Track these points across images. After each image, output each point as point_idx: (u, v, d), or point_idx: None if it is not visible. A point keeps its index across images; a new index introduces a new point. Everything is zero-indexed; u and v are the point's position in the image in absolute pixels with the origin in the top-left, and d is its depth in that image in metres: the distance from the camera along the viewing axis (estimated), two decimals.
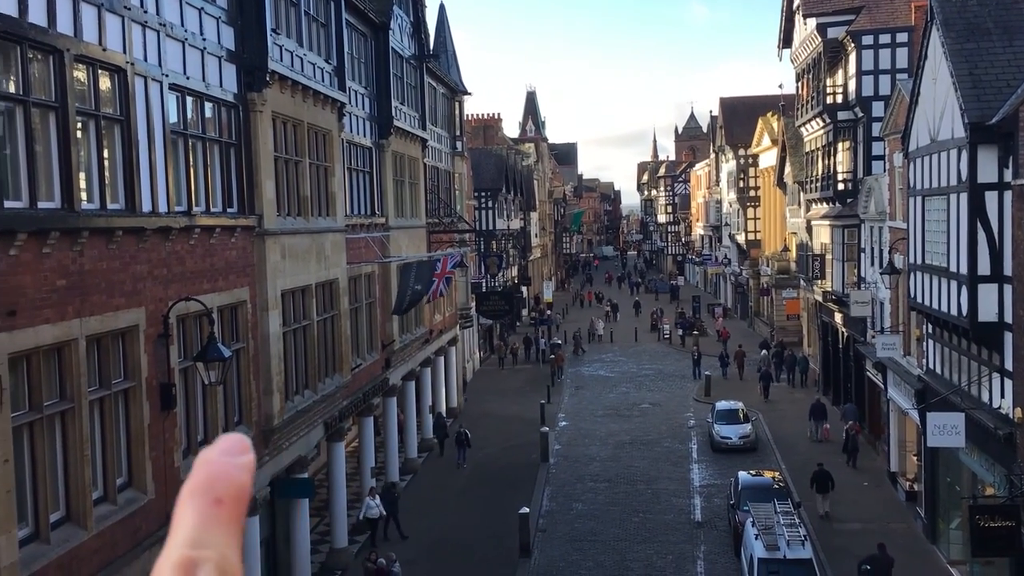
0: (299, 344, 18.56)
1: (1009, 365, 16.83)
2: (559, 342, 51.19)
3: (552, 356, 47.26)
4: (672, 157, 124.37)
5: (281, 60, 16.97)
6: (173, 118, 13.41)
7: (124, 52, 11.90)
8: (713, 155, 73.93)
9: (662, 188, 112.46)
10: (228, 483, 0.73)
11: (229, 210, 15.33)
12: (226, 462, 0.74)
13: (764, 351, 45.04)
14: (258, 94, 16.00)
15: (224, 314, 15.07)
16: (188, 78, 13.76)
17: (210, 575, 0.70)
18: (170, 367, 12.98)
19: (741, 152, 59.90)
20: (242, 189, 15.76)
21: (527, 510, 23.27)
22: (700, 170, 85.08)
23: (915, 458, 24.60)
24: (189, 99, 13.98)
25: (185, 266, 13.58)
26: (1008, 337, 16.82)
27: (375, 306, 24.83)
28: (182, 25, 13.63)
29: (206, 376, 13.02)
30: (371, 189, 24.77)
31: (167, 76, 13.06)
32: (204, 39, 14.38)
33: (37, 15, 10.15)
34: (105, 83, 11.68)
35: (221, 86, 14.97)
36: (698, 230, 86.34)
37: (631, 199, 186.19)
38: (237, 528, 0.74)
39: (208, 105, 14.71)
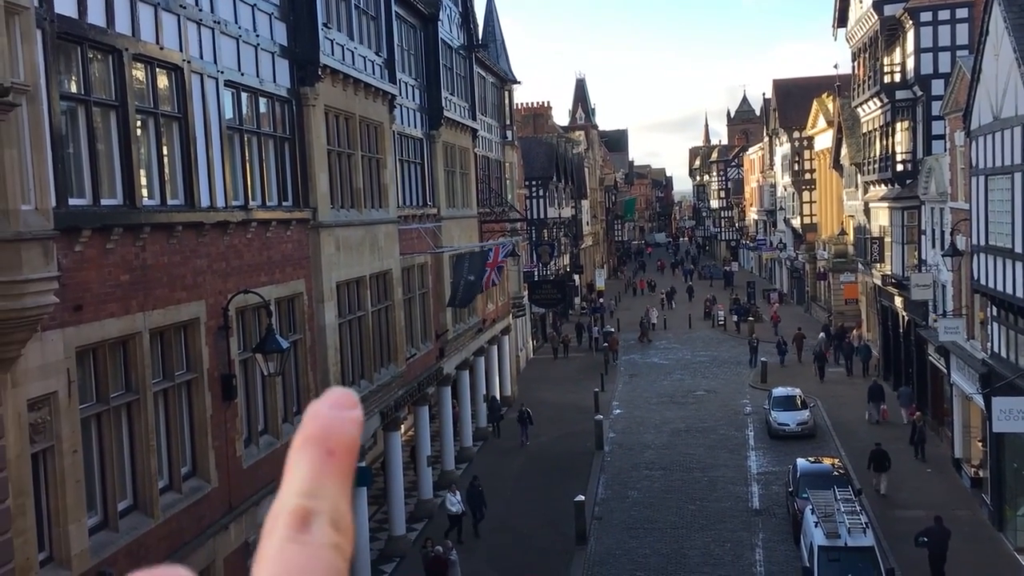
0: (354, 335, 18.76)
1: None
2: (611, 330, 50.99)
3: (606, 344, 47.12)
4: (724, 141, 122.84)
5: (332, 54, 17.12)
6: (229, 114, 13.62)
7: (180, 50, 12.12)
8: (767, 138, 72.84)
9: (715, 173, 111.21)
10: (340, 435, 0.73)
11: (284, 203, 15.54)
12: (337, 415, 0.74)
13: (822, 334, 44.56)
14: (310, 88, 16.17)
15: (281, 306, 15.31)
16: (243, 74, 13.96)
17: (323, 526, 0.72)
18: (230, 358, 13.23)
19: (795, 135, 58.90)
20: (296, 182, 15.96)
21: (583, 498, 23.26)
22: (753, 154, 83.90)
23: (980, 444, 24.05)
24: (244, 95, 14.18)
25: (243, 259, 13.81)
26: None
27: (428, 296, 24.99)
28: (236, 22, 13.83)
29: (265, 367, 13.24)
30: (422, 180, 24.90)
31: (222, 73, 13.26)
32: (257, 35, 14.57)
33: (96, 16, 10.38)
34: (163, 81, 11.91)
35: (274, 81, 15.16)
36: (752, 215, 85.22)
37: (683, 185, 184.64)
38: (348, 481, 0.74)
39: (262, 100, 14.91)
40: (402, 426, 23.68)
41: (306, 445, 0.73)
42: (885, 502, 23.79)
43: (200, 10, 12.75)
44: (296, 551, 0.71)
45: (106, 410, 10.62)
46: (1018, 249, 17.71)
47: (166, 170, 11.90)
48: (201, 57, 12.71)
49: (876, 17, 31.95)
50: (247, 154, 14.24)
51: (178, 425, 12.14)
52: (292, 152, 15.88)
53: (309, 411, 0.75)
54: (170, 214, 11.76)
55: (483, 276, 26.39)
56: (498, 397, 34.96)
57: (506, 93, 38.73)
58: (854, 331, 43.22)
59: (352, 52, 18.47)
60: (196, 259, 12.49)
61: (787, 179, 61.84)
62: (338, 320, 17.48)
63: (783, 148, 63.49)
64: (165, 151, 11.92)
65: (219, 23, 13.26)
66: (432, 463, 25.58)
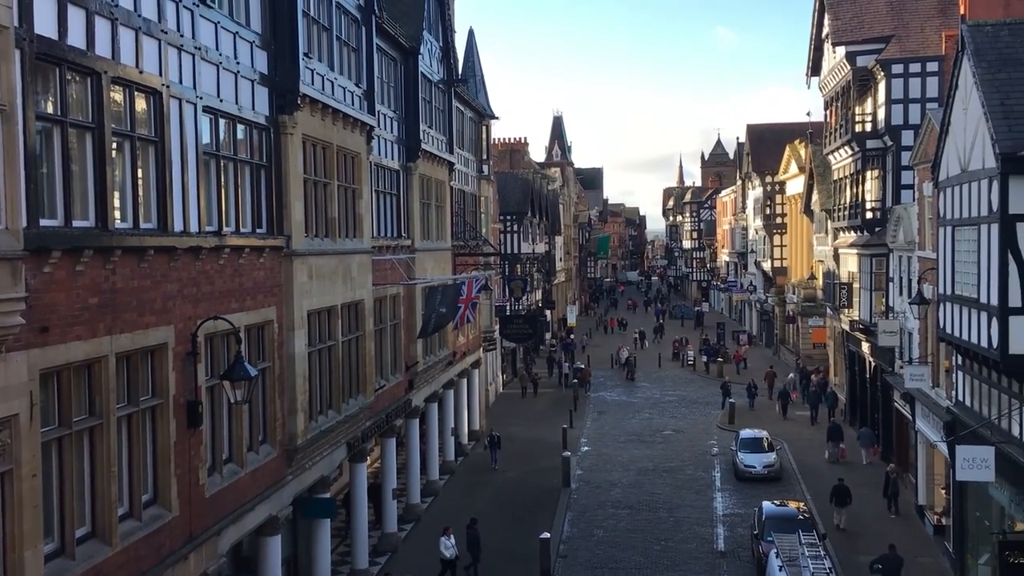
0: (324, 364, 18.64)
1: None
2: (582, 365, 51.09)
3: (575, 380, 47.27)
4: (698, 183, 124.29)
5: (312, 83, 17.18)
6: (206, 139, 13.59)
7: (160, 75, 12.10)
8: (739, 182, 73.78)
9: (688, 214, 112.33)
10: None
11: (258, 230, 15.49)
12: None
13: (792, 375, 45.24)
14: (289, 117, 16.20)
15: (251, 333, 15.19)
16: (221, 100, 13.96)
17: None
18: (197, 385, 13.09)
19: (768, 179, 59.77)
20: (271, 210, 15.92)
21: (548, 535, 23.13)
22: (726, 196, 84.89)
23: (944, 491, 24.24)
24: (222, 121, 14.17)
25: (214, 285, 13.71)
26: None
27: (400, 327, 24.91)
28: (217, 49, 13.85)
29: (232, 394, 13.11)
30: (398, 211, 24.93)
31: (201, 98, 13.25)
32: (238, 62, 14.60)
33: (76, 37, 10.35)
34: (141, 105, 11.87)
35: (253, 108, 15.17)
36: (723, 256, 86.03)
37: (656, 224, 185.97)
38: None
39: (240, 127, 14.90)
40: (368, 458, 23.44)
41: None
42: (849, 547, 23.85)
43: (181, 36, 12.76)
44: None
45: (68, 434, 10.44)
46: (983, 299, 17.99)
47: (140, 193, 11.82)
48: (180, 82, 12.70)
49: (848, 67, 32.62)
50: (223, 180, 14.20)
51: (141, 451, 11.95)
52: (268, 179, 15.86)
53: None
54: (142, 237, 11.67)
55: (457, 312, 26.40)
56: (467, 433, 34.84)
57: (484, 128, 38.99)
58: (812, 376, 43.63)
59: (332, 82, 18.55)
60: (167, 284, 12.38)
61: (759, 222, 62.58)
62: (308, 349, 17.37)
63: (755, 192, 64.32)
64: (140, 174, 11.84)
65: (200, 49, 13.27)
66: (397, 496, 25.33)
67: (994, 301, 17.38)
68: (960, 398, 21.62)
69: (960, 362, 21.38)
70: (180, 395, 12.65)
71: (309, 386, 17.40)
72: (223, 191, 14.18)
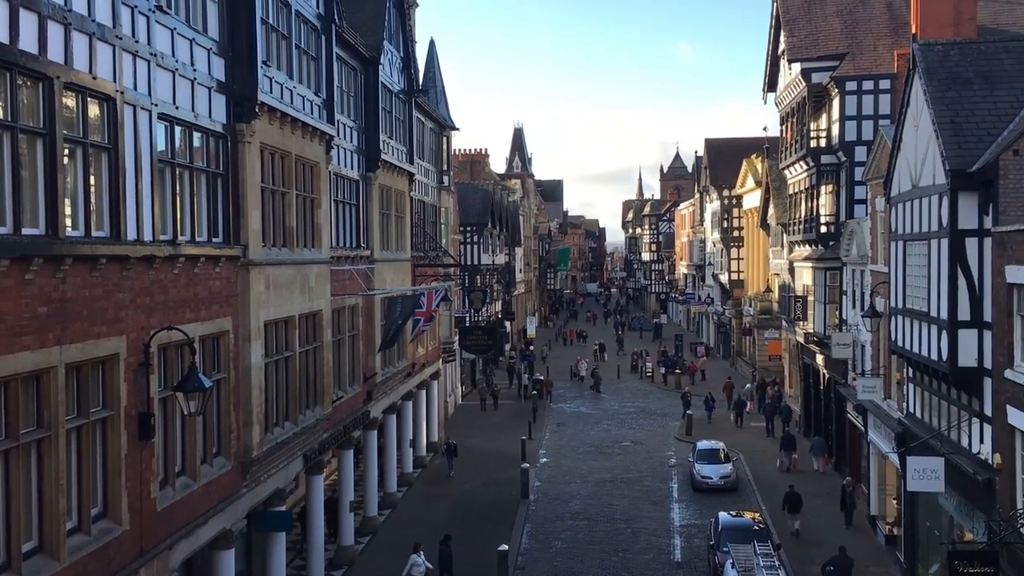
0: (281, 375, 18.45)
1: (988, 410, 16.93)
2: (541, 377, 51.23)
3: (535, 392, 47.37)
4: (657, 196, 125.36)
5: (271, 92, 17.06)
6: (161, 147, 13.43)
7: (114, 81, 11.94)
8: (698, 195, 74.56)
9: (647, 226, 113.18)
10: None
11: (214, 240, 15.31)
12: None
13: (748, 384, 45.84)
14: (247, 125, 16.06)
15: (206, 344, 14.99)
16: (177, 108, 13.80)
17: None
18: (150, 396, 12.88)
19: (725, 193, 60.46)
20: (228, 219, 15.76)
21: (506, 547, 23.08)
22: (684, 209, 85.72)
23: (895, 502, 24.61)
24: (178, 128, 14.01)
25: (168, 295, 13.52)
26: (987, 382, 16.93)
27: (358, 338, 24.75)
28: (173, 55, 13.70)
29: (186, 406, 12.91)
30: (357, 221, 24.80)
31: (156, 105, 13.09)
32: (195, 69, 14.45)
33: (28, 42, 10.19)
34: (94, 111, 11.69)
35: (210, 116, 15.02)
36: (682, 269, 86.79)
37: (616, 237, 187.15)
38: None
39: (196, 135, 14.74)
40: (325, 470, 23.23)
41: None
42: (803, 557, 24.10)
43: (137, 41, 12.61)
44: None
45: (15, 447, 10.21)
46: (933, 313, 18.35)
47: (92, 201, 11.63)
48: (135, 88, 12.53)
49: (804, 84, 33.16)
50: (178, 188, 14.02)
51: (90, 464, 11.72)
52: (225, 188, 15.69)
53: None
54: (94, 246, 11.48)
55: (417, 324, 26.33)
56: (425, 445, 34.71)
57: (444, 139, 38.98)
58: (768, 388, 44.13)
59: (291, 91, 18.43)
60: (119, 293, 12.18)
61: (716, 235, 63.26)
62: (265, 360, 17.18)
63: (713, 205, 65.03)
64: (92, 181, 11.65)
65: (156, 55, 13.12)
66: (354, 509, 25.11)
67: (943, 314, 17.74)
68: (911, 410, 22.00)
69: (911, 374, 21.76)
70: (132, 407, 12.43)
71: (265, 397, 17.20)
72: (178, 199, 14.00)
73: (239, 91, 15.89)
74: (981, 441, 17.40)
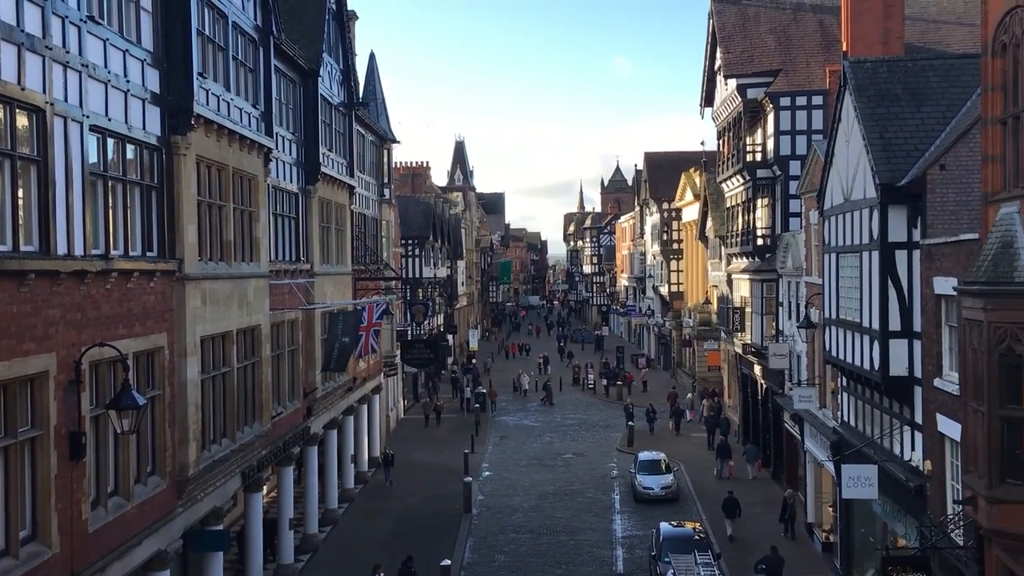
0: (218, 392, 18.14)
1: (919, 418, 17.39)
2: (484, 390, 51.22)
3: (477, 404, 47.31)
4: (598, 209, 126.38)
5: (207, 104, 16.83)
6: (93, 159, 13.14)
7: (44, 92, 11.66)
8: (638, 208, 75.36)
9: (588, 239, 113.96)
10: None
11: (149, 254, 15.02)
12: None
13: (691, 394, 46.39)
14: (182, 137, 15.80)
15: (140, 360, 14.67)
16: (110, 120, 13.53)
17: None
18: (81, 415, 12.55)
19: (665, 206, 61.18)
20: (163, 232, 15.47)
21: (448, 562, 22.95)
22: (625, 222, 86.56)
23: (831, 509, 25.08)
24: (110, 140, 13.73)
25: (100, 311, 13.21)
26: (918, 391, 17.39)
27: (298, 353, 24.46)
28: (105, 66, 13.43)
29: (118, 425, 12.60)
30: (296, 235, 24.54)
31: (88, 117, 12.82)
32: (128, 81, 14.18)
33: None
34: (22, 122, 11.40)
35: (144, 128, 14.75)
36: (623, 281, 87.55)
37: (557, 249, 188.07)
38: None
39: (130, 147, 14.46)
40: (264, 487, 22.86)
41: None
42: (743, 566, 24.40)
43: (67, 52, 12.34)
44: None
45: None
46: (865, 323, 18.80)
47: (21, 215, 11.32)
48: (66, 100, 12.25)
49: (739, 99, 33.80)
50: (111, 201, 13.73)
51: (18, 485, 11.36)
52: (160, 201, 15.41)
53: None
54: (22, 261, 11.16)
55: (359, 340, 26.10)
56: (367, 459, 34.38)
57: (385, 152, 38.82)
58: (705, 401, 44.56)
59: (228, 103, 18.20)
60: (49, 309, 11.86)
61: (656, 248, 63.98)
62: (201, 376, 16.87)
63: (653, 218, 65.79)
64: (21, 195, 11.34)
65: (87, 66, 12.85)
66: (294, 526, 24.75)
67: (875, 325, 18.19)
68: (845, 418, 22.47)
69: (845, 384, 22.24)
70: (62, 426, 12.10)
71: (202, 414, 16.89)
72: (111, 213, 13.71)
73: (174, 103, 15.64)
74: (912, 448, 17.86)
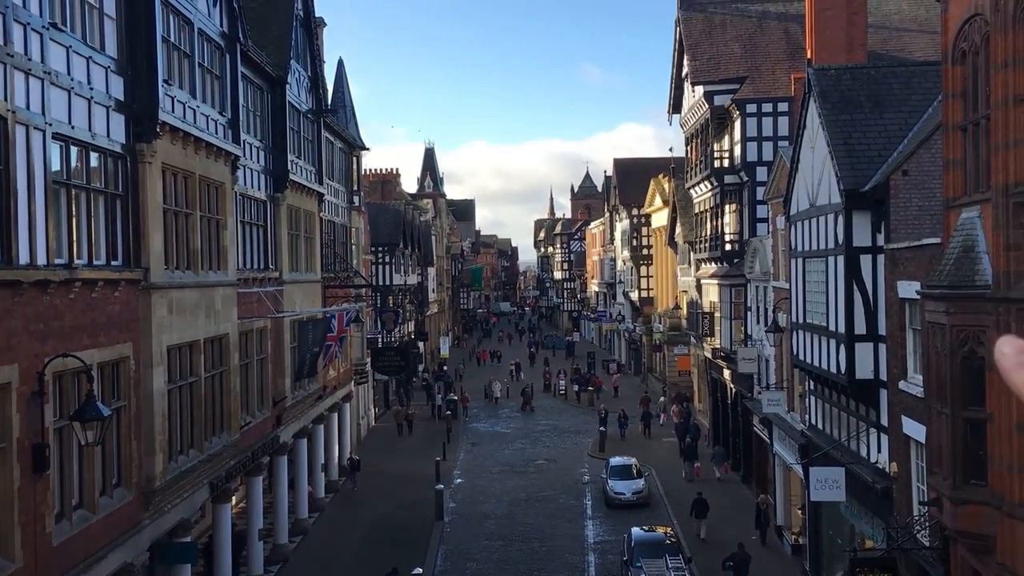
0: (185, 402, 17.94)
1: (885, 421, 17.59)
2: (455, 397, 51.12)
3: (449, 412, 47.18)
4: (568, 215, 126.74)
5: (172, 111, 16.68)
6: (56, 167, 12.98)
7: (5, 100, 11.51)
8: (608, 214, 75.66)
9: (558, 245, 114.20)
10: None
11: (113, 263, 14.84)
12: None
13: (662, 398, 46.62)
14: (147, 145, 15.65)
15: (105, 371, 14.49)
16: (73, 127, 13.37)
17: None
18: (44, 427, 12.37)
19: (634, 212, 61.47)
20: (128, 241, 15.30)
21: (420, 570, 22.86)
22: (595, 228, 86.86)
23: (800, 512, 25.29)
24: (74, 148, 13.57)
25: (64, 321, 13.04)
26: (883, 394, 17.60)
27: (267, 362, 24.27)
28: (68, 74, 13.28)
29: (83, 436, 12.44)
30: (265, 243, 24.38)
31: (51, 125, 12.66)
32: (92, 88, 14.03)
33: None
34: None
35: (108, 136, 14.59)
36: (593, 287, 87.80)
37: (528, 255, 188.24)
38: None
39: (94, 155, 14.30)
40: (233, 498, 22.65)
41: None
42: (714, 570, 24.51)
43: (29, 59, 12.18)
44: None
45: None
46: (831, 327, 19.00)
47: None
48: (28, 108, 12.10)
49: (707, 106, 34.08)
50: (74, 210, 13.56)
51: None
52: (124, 210, 15.24)
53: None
54: None
55: (328, 349, 25.99)
56: (337, 468, 34.17)
57: (354, 158, 38.70)
58: (674, 407, 44.64)
59: (194, 110, 18.05)
60: (10, 319, 11.69)
61: (626, 254, 64.26)
62: (168, 386, 16.69)
63: (623, 224, 66.09)
64: None
65: (50, 74, 12.70)
66: (264, 537, 24.54)
67: (841, 329, 18.39)
68: (813, 422, 22.68)
69: (812, 387, 22.46)
70: (25, 438, 11.92)
71: (169, 425, 16.70)
72: (75, 222, 13.54)
73: (139, 110, 15.49)
74: (879, 450, 18.06)
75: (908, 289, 15.85)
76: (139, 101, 15.51)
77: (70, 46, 13.39)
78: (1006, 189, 11.72)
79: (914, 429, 15.74)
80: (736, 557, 23.04)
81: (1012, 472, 11.63)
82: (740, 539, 24.67)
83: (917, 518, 15.66)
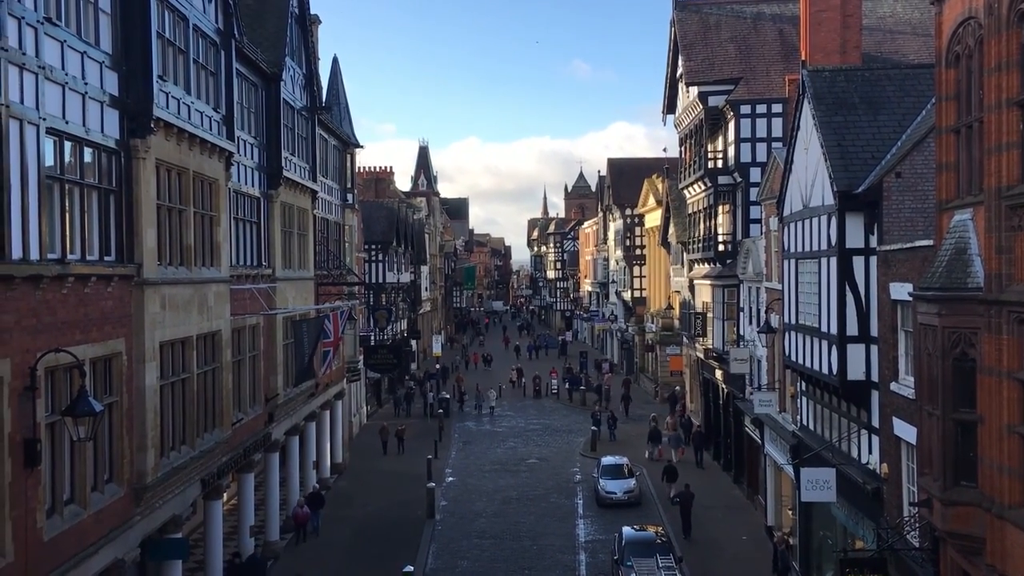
0: (177, 398, 17.92)
1: (876, 422, 17.66)
2: (447, 396, 51.05)
3: (440, 410, 47.15)
4: (562, 214, 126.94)
5: (167, 107, 16.65)
6: (49, 162, 12.95)
7: None
8: (601, 214, 75.73)
9: (552, 245, 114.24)
10: None
11: (107, 258, 14.82)
12: None
13: (666, 437, 46.46)
14: (141, 140, 15.63)
15: (97, 366, 14.47)
16: (67, 122, 13.34)
17: None
18: (36, 422, 12.34)
19: (628, 212, 61.54)
20: (121, 237, 15.27)
21: (411, 568, 22.84)
22: (588, 228, 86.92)
23: (791, 512, 25.37)
24: (67, 144, 13.54)
25: (56, 316, 13.01)
26: (875, 395, 17.66)
27: (259, 359, 24.24)
28: (63, 68, 13.25)
29: (75, 431, 12.42)
30: (258, 239, 24.34)
31: (44, 120, 12.63)
32: (86, 83, 14.00)
33: None
34: None
35: (102, 131, 14.56)
36: (586, 287, 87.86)
37: (521, 254, 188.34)
38: None
39: (88, 150, 14.27)
40: (224, 494, 22.61)
41: None
42: (705, 570, 24.57)
43: (24, 54, 12.15)
44: None
45: None
46: (824, 328, 19.06)
47: None
48: (22, 102, 12.07)
49: (701, 107, 34.14)
50: (67, 205, 13.54)
51: None
52: (118, 205, 15.21)
53: None
54: None
55: (326, 356, 26.09)
56: (329, 465, 34.14)
57: (348, 156, 38.64)
58: (668, 419, 43.85)
59: (188, 106, 18.02)
60: (3, 314, 11.66)
61: (619, 254, 64.33)
62: (160, 382, 16.67)
63: (616, 224, 66.16)
64: None
65: (44, 68, 12.67)
66: (255, 533, 24.51)
67: (833, 330, 18.45)
68: (804, 422, 22.76)
69: (804, 388, 22.53)
70: (16, 432, 11.89)
71: (161, 421, 16.68)
72: (68, 217, 13.52)
73: (133, 106, 15.47)
74: (870, 452, 18.13)
75: (900, 291, 15.91)
76: (133, 97, 15.48)
77: (65, 41, 13.36)
78: (999, 192, 11.79)
79: (905, 430, 15.81)
80: (683, 495, 27.61)
81: (1002, 474, 11.69)
82: (731, 544, 24.70)
83: (907, 519, 15.72)
